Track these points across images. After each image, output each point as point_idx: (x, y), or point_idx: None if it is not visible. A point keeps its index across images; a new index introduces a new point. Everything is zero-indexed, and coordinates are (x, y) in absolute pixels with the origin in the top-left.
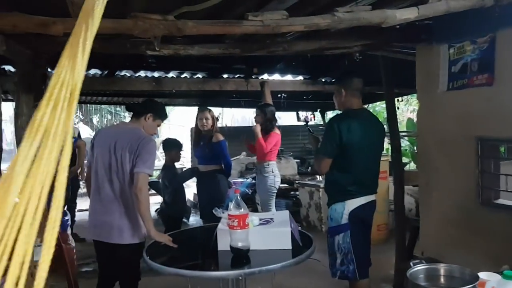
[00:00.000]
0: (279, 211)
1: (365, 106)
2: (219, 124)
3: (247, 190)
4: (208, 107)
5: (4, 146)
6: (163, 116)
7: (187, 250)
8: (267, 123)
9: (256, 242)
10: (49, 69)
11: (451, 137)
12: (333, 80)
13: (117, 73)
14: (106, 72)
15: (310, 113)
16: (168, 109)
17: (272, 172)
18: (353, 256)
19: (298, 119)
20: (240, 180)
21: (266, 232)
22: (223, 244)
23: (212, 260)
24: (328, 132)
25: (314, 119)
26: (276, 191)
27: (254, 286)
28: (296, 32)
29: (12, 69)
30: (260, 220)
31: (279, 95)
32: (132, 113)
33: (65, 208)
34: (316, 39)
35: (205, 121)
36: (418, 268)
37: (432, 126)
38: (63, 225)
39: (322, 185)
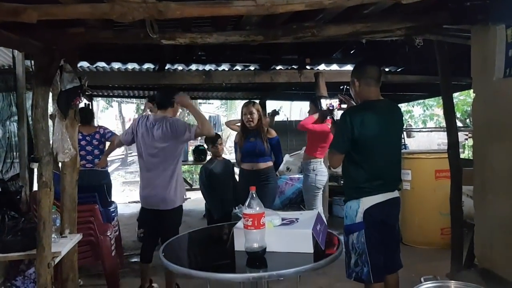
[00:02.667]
0: (309, 211)
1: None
2: (280, 117)
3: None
4: (253, 101)
5: None
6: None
7: (205, 250)
8: (321, 116)
9: (274, 243)
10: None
11: (510, 131)
12: (397, 70)
13: (168, 67)
14: (157, 67)
15: (333, 100)
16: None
17: (314, 170)
18: (368, 257)
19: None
20: (297, 176)
21: (285, 233)
22: (240, 244)
23: (227, 261)
24: (339, 126)
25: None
26: (318, 191)
27: (278, 284)
28: (325, 13)
29: None
30: (283, 220)
31: (341, 87)
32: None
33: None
34: (349, 23)
35: (249, 116)
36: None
37: (488, 119)
38: (106, 215)
39: None
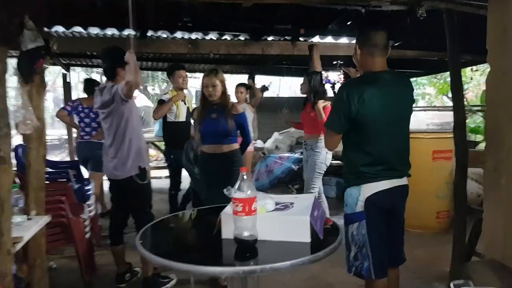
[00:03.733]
0: (305, 194)
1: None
2: (270, 93)
3: (293, 166)
4: (216, 69)
5: None
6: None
7: (188, 237)
8: (312, 93)
9: (268, 231)
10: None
11: None
12: (395, 44)
13: (151, 34)
14: (139, 33)
15: (336, 73)
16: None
17: (323, 147)
18: (369, 251)
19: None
20: (287, 155)
21: (279, 220)
22: (228, 231)
23: (213, 250)
24: (336, 102)
25: (341, 81)
26: (325, 170)
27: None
28: None
29: None
30: (277, 204)
31: (334, 62)
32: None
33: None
34: None
35: (211, 88)
36: None
37: (506, 96)
38: (81, 194)
39: None
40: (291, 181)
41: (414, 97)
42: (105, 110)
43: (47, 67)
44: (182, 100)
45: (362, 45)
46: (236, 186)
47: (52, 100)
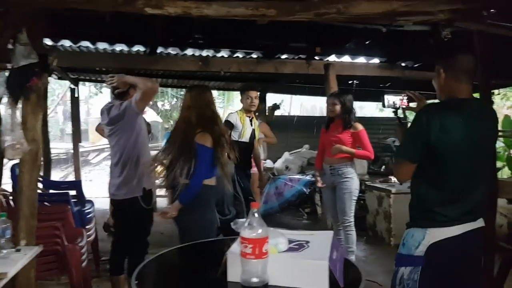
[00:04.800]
0: (322, 231)
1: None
2: (281, 112)
3: (304, 189)
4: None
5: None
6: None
7: (190, 277)
8: (345, 115)
9: (279, 275)
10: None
11: None
12: (415, 65)
13: (160, 50)
14: (148, 50)
15: (399, 97)
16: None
17: (355, 172)
18: None
19: (384, 104)
20: (297, 177)
21: (293, 264)
22: (234, 273)
23: None
24: (413, 127)
25: (405, 105)
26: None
27: None
28: None
29: None
30: (291, 243)
31: (349, 82)
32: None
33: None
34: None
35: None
36: None
37: None
38: (80, 217)
39: (394, 189)
40: (301, 204)
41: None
42: (113, 126)
43: (46, 84)
44: (250, 120)
45: (447, 67)
46: (246, 222)
47: (61, 113)
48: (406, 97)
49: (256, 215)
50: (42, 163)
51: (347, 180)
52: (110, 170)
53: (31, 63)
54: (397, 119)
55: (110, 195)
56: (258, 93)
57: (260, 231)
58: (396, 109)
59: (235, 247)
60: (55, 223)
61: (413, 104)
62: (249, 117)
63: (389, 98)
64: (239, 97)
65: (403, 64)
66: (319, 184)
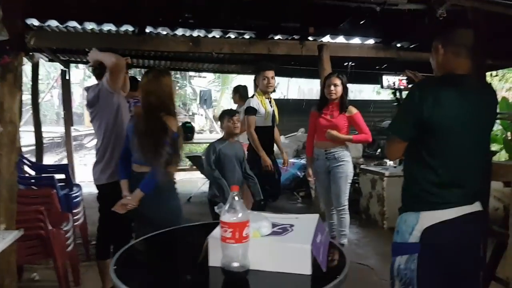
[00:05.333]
0: (307, 214)
1: None
2: (277, 95)
3: (299, 173)
4: None
5: (75, 109)
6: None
7: (170, 263)
8: (343, 98)
9: (261, 259)
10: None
11: None
12: (410, 46)
13: (150, 30)
14: (136, 29)
15: (397, 77)
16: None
17: (350, 155)
18: None
19: (382, 85)
20: (292, 160)
21: (275, 248)
22: (216, 258)
23: (197, 281)
24: (405, 103)
25: (404, 86)
26: None
27: None
28: None
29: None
30: (274, 227)
31: (345, 64)
32: None
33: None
34: None
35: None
36: None
37: None
38: (67, 202)
39: (387, 172)
40: (296, 188)
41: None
42: (92, 109)
43: (23, 64)
44: (269, 102)
45: (447, 43)
46: (226, 206)
47: (57, 96)
48: (405, 77)
49: (236, 198)
50: (32, 147)
51: (343, 163)
52: (95, 155)
53: (0, 40)
54: (396, 100)
55: (94, 180)
56: (274, 72)
57: (240, 215)
58: (395, 90)
59: (217, 232)
60: (38, 207)
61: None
62: (268, 98)
63: (388, 79)
64: (235, 79)
65: (398, 45)
66: (310, 179)
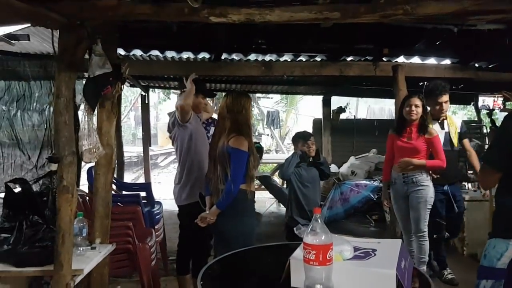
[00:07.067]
0: (389, 239)
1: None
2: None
3: (372, 195)
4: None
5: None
6: (203, 91)
7: (253, 281)
8: (423, 119)
9: (344, 283)
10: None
11: None
12: (489, 66)
13: (224, 57)
14: (213, 56)
15: (493, 98)
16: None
17: (430, 179)
18: None
19: (477, 106)
20: (364, 182)
21: (359, 272)
22: (298, 279)
23: None
24: (499, 135)
25: (500, 107)
26: None
27: None
28: None
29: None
30: (356, 251)
31: (420, 83)
32: None
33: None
34: None
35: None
36: None
37: None
38: (150, 218)
39: (467, 197)
40: (369, 211)
41: None
42: (171, 134)
43: (119, 92)
44: (439, 123)
45: None
46: (309, 228)
47: (133, 118)
48: (501, 98)
49: (319, 220)
50: (115, 165)
51: (422, 188)
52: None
53: (105, 72)
54: (491, 121)
55: (175, 200)
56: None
57: (323, 237)
58: (490, 111)
59: (298, 253)
60: (127, 223)
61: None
62: (438, 120)
63: (484, 100)
64: (301, 100)
65: (476, 65)
66: (386, 204)
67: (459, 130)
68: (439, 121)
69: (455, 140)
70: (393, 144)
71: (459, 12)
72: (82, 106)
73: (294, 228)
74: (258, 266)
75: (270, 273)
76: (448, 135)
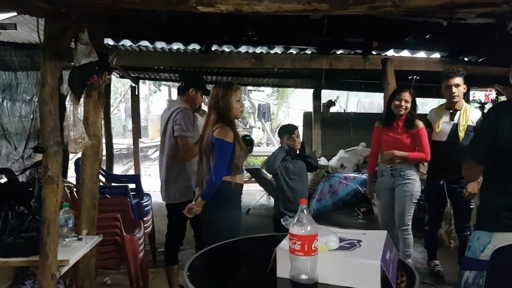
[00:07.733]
0: (375, 231)
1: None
2: (336, 109)
3: (360, 188)
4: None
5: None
6: (203, 88)
7: (239, 272)
8: (412, 113)
9: (329, 273)
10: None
11: None
12: (478, 60)
13: (215, 48)
14: (203, 48)
15: (484, 92)
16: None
17: (417, 173)
18: None
19: (468, 99)
20: (352, 175)
21: (344, 262)
22: (284, 269)
23: None
24: (481, 128)
25: (491, 101)
26: None
27: None
28: None
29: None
30: (342, 241)
31: (409, 77)
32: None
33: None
34: None
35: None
36: None
37: None
38: (139, 210)
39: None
40: (357, 203)
41: None
42: (161, 127)
43: (106, 82)
44: (450, 113)
45: None
46: (295, 219)
47: (124, 110)
48: (492, 91)
49: (305, 211)
50: (104, 157)
51: (409, 182)
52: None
53: (91, 61)
54: (482, 115)
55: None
56: (453, 80)
57: (309, 228)
58: (482, 105)
59: (285, 243)
60: (115, 214)
61: (504, 99)
62: (451, 110)
63: (475, 94)
64: (293, 93)
65: (466, 59)
66: (371, 197)
67: (474, 125)
68: (451, 111)
69: (461, 134)
70: (380, 137)
71: (448, 4)
72: (68, 96)
73: (281, 219)
74: (245, 257)
75: (256, 264)
76: (455, 127)
